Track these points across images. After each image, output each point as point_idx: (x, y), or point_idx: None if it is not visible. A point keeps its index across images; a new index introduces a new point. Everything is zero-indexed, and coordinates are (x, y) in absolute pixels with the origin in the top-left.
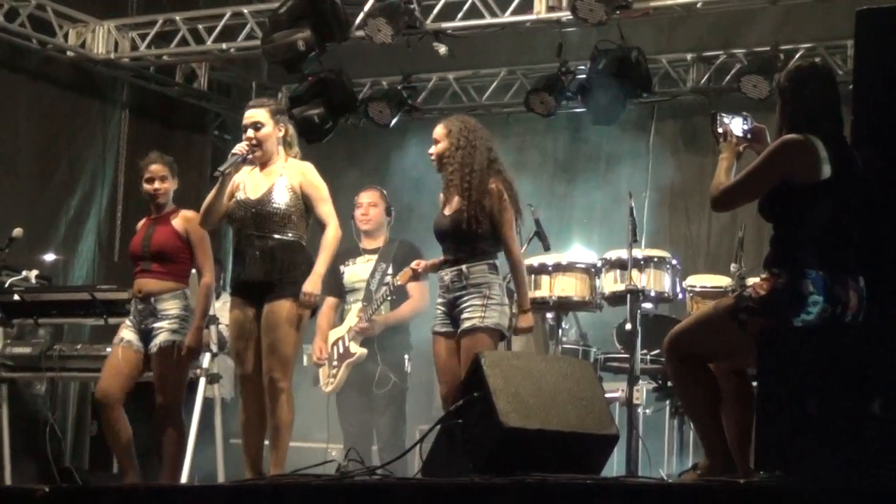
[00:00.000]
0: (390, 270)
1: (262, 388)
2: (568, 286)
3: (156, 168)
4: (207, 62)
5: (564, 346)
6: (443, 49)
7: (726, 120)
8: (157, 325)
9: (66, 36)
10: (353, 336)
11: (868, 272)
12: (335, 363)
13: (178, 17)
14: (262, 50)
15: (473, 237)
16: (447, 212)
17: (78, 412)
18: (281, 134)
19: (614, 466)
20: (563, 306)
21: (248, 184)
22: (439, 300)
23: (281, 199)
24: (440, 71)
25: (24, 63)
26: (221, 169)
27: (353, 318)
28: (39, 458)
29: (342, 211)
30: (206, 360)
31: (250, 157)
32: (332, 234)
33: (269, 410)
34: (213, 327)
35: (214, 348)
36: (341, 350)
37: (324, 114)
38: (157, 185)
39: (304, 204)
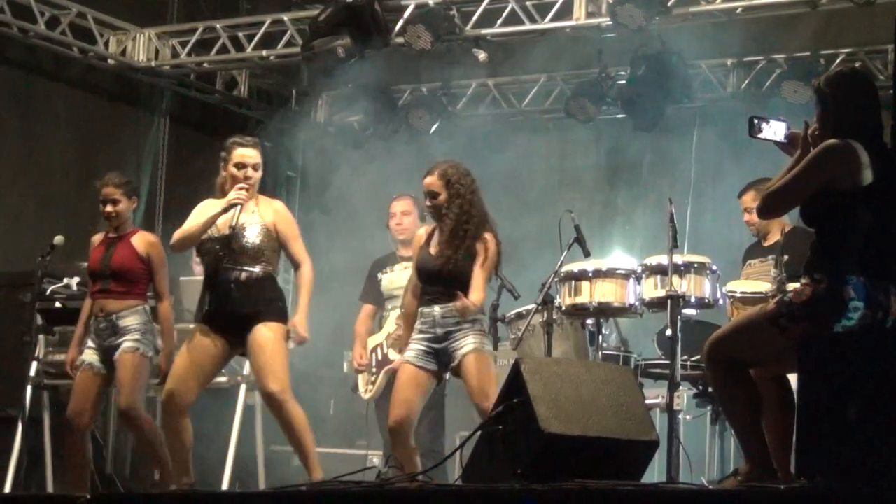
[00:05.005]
0: None
1: (185, 406)
2: (608, 292)
3: (108, 191)
4: (248, 69)
5: (605, 352)
6: (482, 55)
7: (765, 125)
8: (119, 340)
9: (106, 44)
10: (391, 343)
11: None
12: (374, 370)
13: (218, 25)
14: (302, 57)
15: (464, 279)
16: (433, 252)
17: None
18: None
19: (655, 472)
20: (604, 312)
21: (220, 218)
22: (422, 336)
23: (253, 235)
24: (480, 77)
25: (64, 71)
26: (232, 224)
27: (391, 324)
28: None
29: (383, 217)
30: (246, 366)
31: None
32: (308, 271)
33: (281, 422)
34: None
35: None
36: (380, 357)
37: (363, 116)
38: (109, 208)
39: (277, 241)
